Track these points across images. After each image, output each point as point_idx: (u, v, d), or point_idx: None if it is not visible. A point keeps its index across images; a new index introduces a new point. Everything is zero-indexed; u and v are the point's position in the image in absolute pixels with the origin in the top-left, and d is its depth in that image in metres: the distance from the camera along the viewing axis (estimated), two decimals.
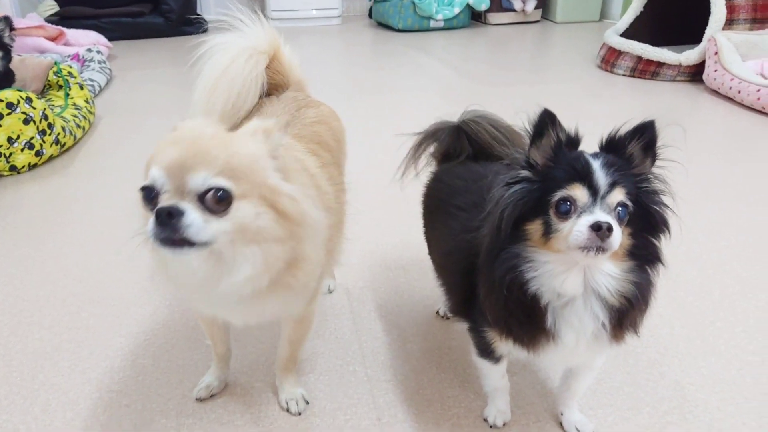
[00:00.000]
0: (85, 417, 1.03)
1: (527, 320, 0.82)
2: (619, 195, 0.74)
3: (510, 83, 3.01)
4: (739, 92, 2.54)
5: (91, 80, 2.84)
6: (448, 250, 1.04)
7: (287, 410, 1.04)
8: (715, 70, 2.69)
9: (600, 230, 0.70)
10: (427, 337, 1.21)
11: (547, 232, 0.75)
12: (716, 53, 2.70)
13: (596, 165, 0.75)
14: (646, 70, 3.03)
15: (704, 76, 2.78)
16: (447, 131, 1.13)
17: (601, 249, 0.71)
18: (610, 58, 3.18)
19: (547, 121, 0.77)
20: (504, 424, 1.00)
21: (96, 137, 2.34)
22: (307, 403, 1.05)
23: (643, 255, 0.79)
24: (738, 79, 2.56)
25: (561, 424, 1.00)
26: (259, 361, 1.16)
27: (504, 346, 0.90)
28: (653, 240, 0.80)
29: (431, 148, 1.19)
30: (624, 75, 3.10)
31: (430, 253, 1.19)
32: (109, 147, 2.26)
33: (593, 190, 0.73)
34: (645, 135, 0.79)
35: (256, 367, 1.15)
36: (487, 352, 0.96)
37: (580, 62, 3.36)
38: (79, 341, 1.21)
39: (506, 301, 0.81)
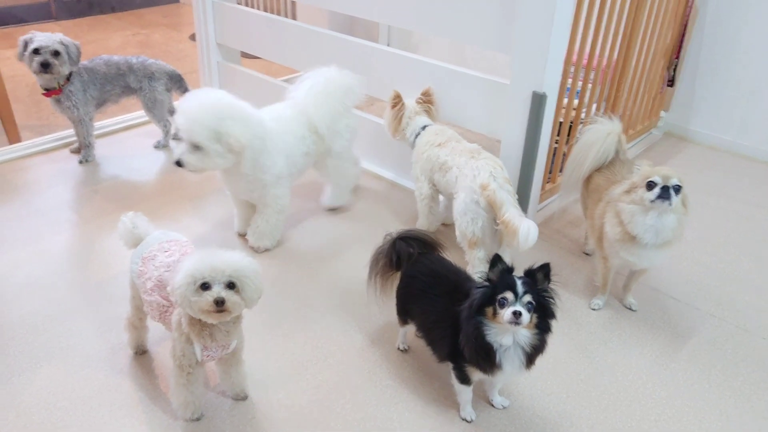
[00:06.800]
0: None
1: (486, 358, 1.59)
2: (528, 297, 1.52)
3: None
4: None
5: None
6: (436, 320, 1.71)
7: None
8: None
9: (516, 314, 1.50)
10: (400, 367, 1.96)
11: (495, 313, 1.54)
12: None
13: (519, 282, 1.54)
14: None
15: None
16: (388, 244, 1.84)
17: (517, 323, 1.51)
18: None
19: (497, 263, 1.61)
20: (472, 420, 1.78)
21: None
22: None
23: (542, 327, 1.58)
24: None
25: (492, 405, 1.80)
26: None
27: (475, 374, 1.69)
28: (548, 320, 1.61)
29: (383, 260, 1.85)
30: None
31: (416, 322, 1.80)
32: None
33: (516, 294, 1.53)
34: (545, 268, 1.62)
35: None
36: (465, 379, 1.72)
37: None
38: None
39: (475, 347, 1.61)
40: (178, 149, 2.16)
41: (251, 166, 2.27)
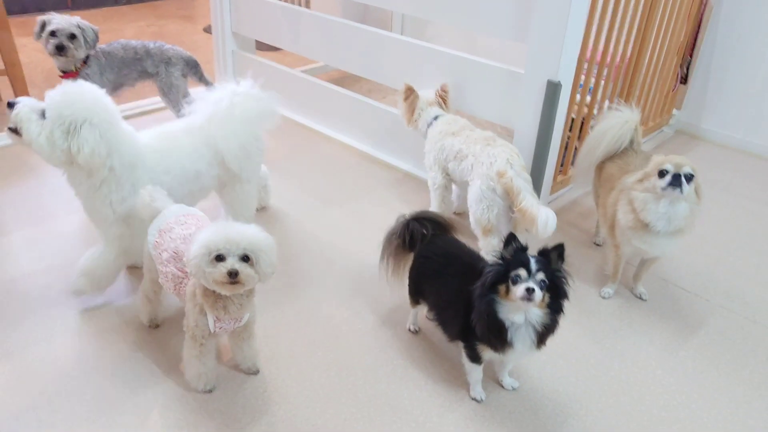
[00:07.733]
0: None
1: (497, 335, 1.61)
2: (541, 275, 1.54)
3: None
4: None
5: None
6: (449, 300, 1.74)
7: None
8: None
9: (529, 291, 1.52)
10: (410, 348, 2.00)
11: (507, 290, 1.56)
12: None
13: (532, 261, 1.56)
14: None
15: None
16: (402, 225, 1.86)
17: (530, 299, 1.53)
18: None
19: (512, 241, 1.62)
20: (482, 400, 1.79)
21: None
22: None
23: (554, 306, 1.60)
24: None
25: (502, 386, 1.81)
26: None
27: (486, 352, 1.70)
28: (559, 300, 1.62)
29: (396, 241, 1.87)
30: None
31: (429, 302, 1.83)
32: None
33: (529, 272, 1.55)
34: (558, 248, 1.63)
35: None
36: (475, 358, 1.74)
37: None
38: None
39: (487, 324, 1.62)
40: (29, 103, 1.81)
41: (86, 190, 1.93)
